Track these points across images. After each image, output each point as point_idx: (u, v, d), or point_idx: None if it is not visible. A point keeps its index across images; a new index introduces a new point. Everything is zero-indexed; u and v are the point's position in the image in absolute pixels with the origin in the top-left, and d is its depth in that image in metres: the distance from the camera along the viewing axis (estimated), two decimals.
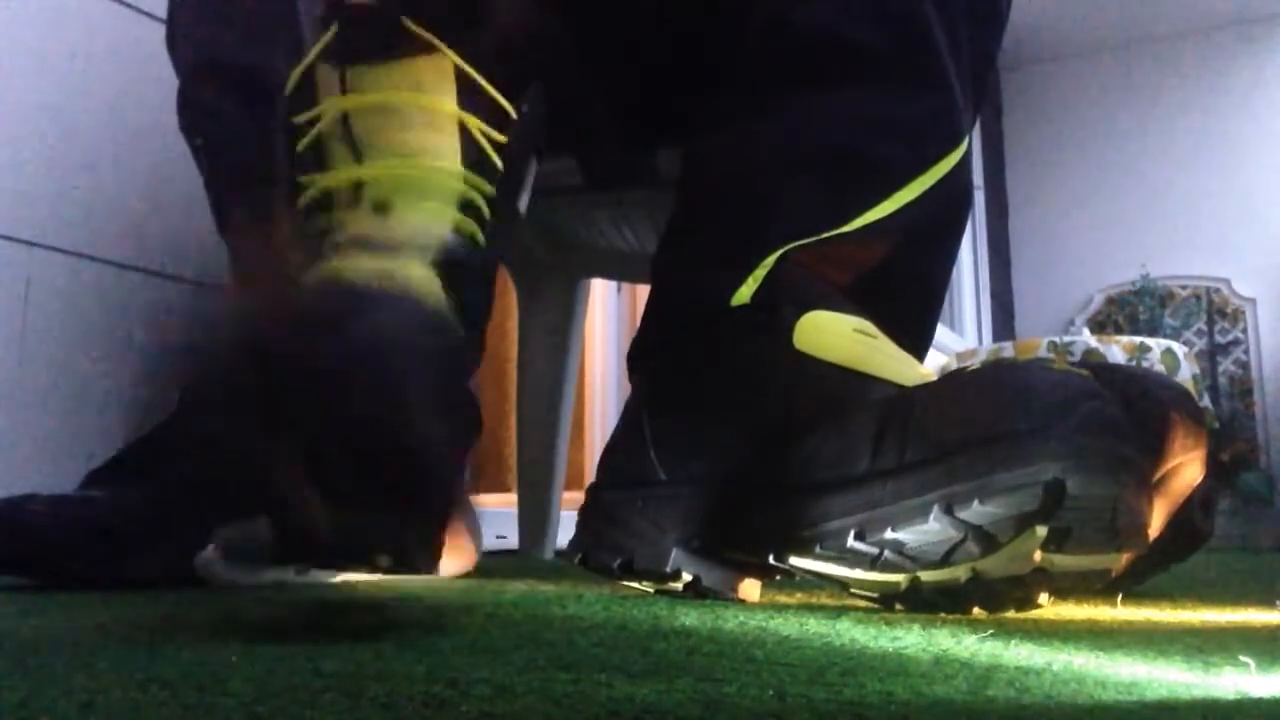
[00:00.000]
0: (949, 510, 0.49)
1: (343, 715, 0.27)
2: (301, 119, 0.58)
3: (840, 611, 0.58)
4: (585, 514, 0.64)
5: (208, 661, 0.35)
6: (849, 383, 0.57)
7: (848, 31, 0.66)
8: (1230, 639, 0.50)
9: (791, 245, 0.63)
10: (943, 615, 0.56)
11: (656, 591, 0.64)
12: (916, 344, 0.68)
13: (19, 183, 0.98)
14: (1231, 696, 0.34)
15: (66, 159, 1.03)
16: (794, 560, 0.54)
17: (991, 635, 0.48)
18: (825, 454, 0.55)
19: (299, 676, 0.32)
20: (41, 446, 0.97)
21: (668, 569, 0.59)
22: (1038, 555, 0.50)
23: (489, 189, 0.59)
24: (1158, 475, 0.68)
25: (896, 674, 0.36)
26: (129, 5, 1.09)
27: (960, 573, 0.52)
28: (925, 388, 0.56)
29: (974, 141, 3.77)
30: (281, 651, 0.38)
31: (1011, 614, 0.61)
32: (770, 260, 0.63)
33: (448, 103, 0.56)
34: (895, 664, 0.38)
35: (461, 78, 0.57)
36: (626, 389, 0.70)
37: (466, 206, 0.58)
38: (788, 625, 0.50)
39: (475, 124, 0.57)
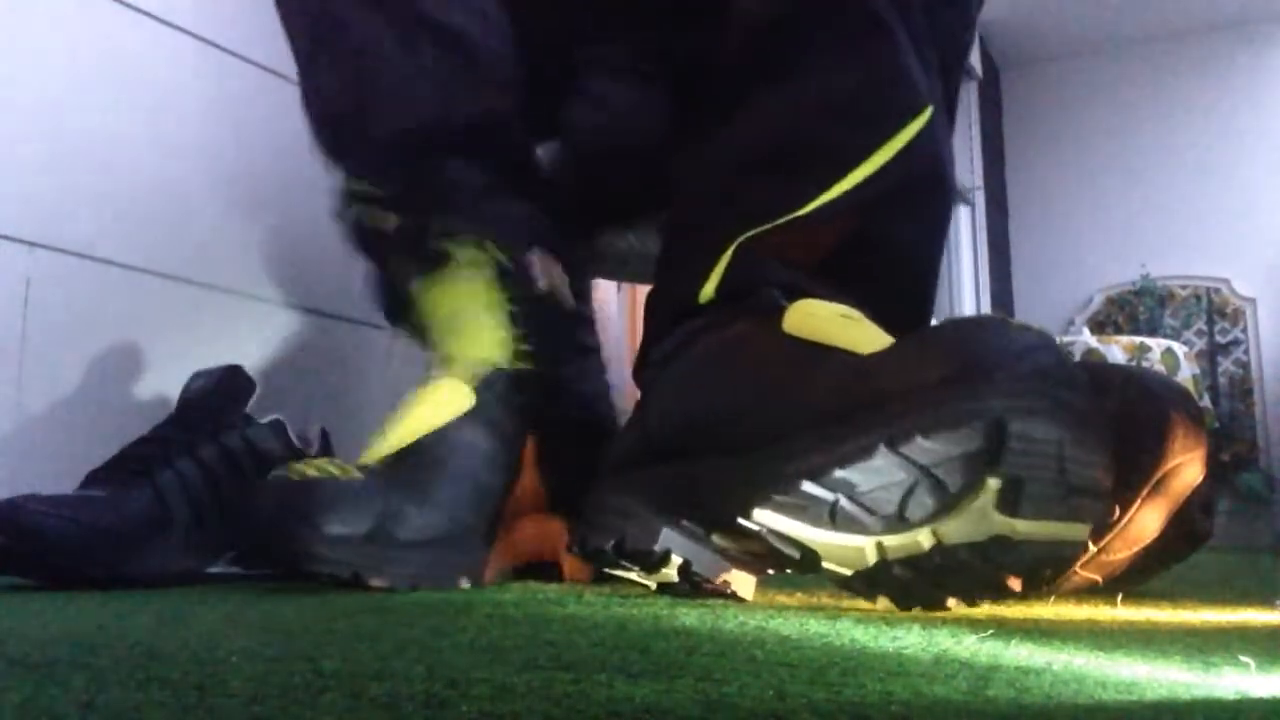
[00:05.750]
0: (893, 446, 0.50)
1: (343, 715, 0.27)
2: (412, 321, 0.80)
3: (840, 611, 0.58)
4: (587, 506, 0.66)
5: (208, 661, 0.35)
6: (824, 354, 0.57)
7: (795, 18, 0.68)
8: (1230, 639, 0.50)
9: (746, 235, 0.65)
10: (943, 615, 0.56)
11: (657, 588, 0.64)
12: (912, 324, 0.69)
13: (19, 183, 0.98)
14: (1231, 696, 0.34)
15: (67, 159, 1.03)
16: (758, 515, 0.54)
17: (991, 635, 0.48)
18: (784, 411, 0.55)
19: (299, 676, 0.32)
20: (41, 447, 0.97)
21: (656, 548, 0.59)
22: (995, 516, 0.50)
23: (521, 341, 0.78)
24: (1158, 475, 0.68)
25: (896, 674, 0.36)
26: (130, 6, 1.09)
27: (922, 538, 0.52)
28: (888, 347, 0.56)
29: (974, 141, 3.73)
30: (281, 651, 0.38)
31: (1006, 611, 0.61)
32: (727, 255, 0.65)
33: (487, 290, 0.77)
34: (895, 664, 0.38)
35: (491, 257, 0.78)
36: (626, 389, 0.72)
37: (514, 352, 0.78)
38: (788, 625, 0.50)
39: (505, 294, 0.78)
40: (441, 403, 0.73)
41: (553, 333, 0.80)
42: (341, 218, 0.82)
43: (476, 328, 0.76)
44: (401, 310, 0.80)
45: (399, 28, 0.77)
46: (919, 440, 0.49)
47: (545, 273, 0.79)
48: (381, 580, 0.66)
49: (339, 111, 0.79)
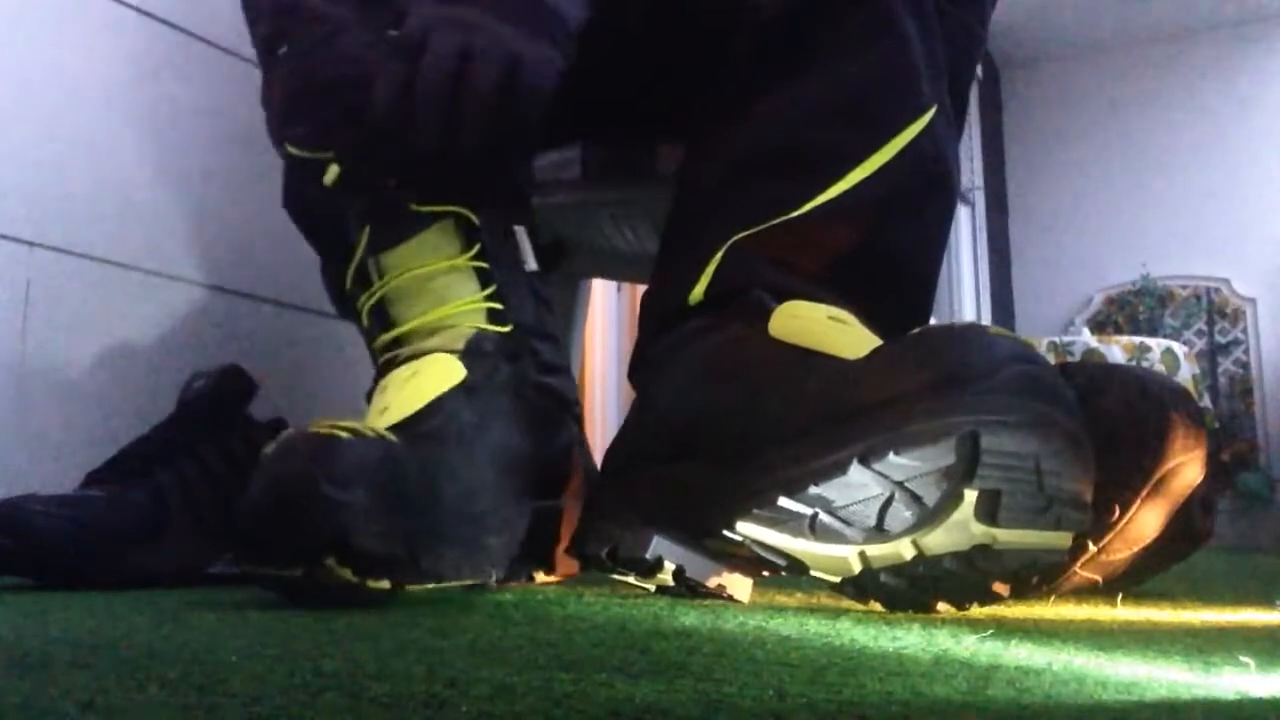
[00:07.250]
0: (866, 461, 0.50)
1: (343, 715, 0.27)
2: (364, 299, 0.72)
3: (840, 611, 0.58)
4: (585, 511, 0.66)
5: (208, 661, 0.35)
6: (806, 360, 0.57)
7: (806, 15, 0.68)
8: (1230, 639, 0.50)
9: (738, 235, 0.65)
10: (942, 615, 0.56)
11: (657, 590, 0.64)
12: (909, 327, 0.69)
13: (19, 183, 0.98)
14: (1231, 696, 0.34)
15: (67, 159, 1.03)
16: (740, 527, 0.55)
17: (991, 635, 0.48)
18: (764, 422, 0.55)
19: (299, 676, 0.32)
20: (41, 446, 0.97)
21: (649, 555, 0.60)
22: (975, 526, 0.50)
23: (497, 302, 0.71)
24: (1158, 475, 0.68)
25: (896, 674, 0.36)
26: (130, 6, 1.09)
27: (904, 549, 0.52)
28: (867, 355, 0.56)
29: (974, 141, 3.73)
30: (281, 651, 0.38)
31: (1006, 611, 0.61)
32: (718, 256, 0.65)
33: (456, 258, 0.70)
34: (895, 664, 0.38)
35: (462, 222, 0.71)
36: (626, 389, 0.72)
37: (490, 315, 0.71)
38: (788, 625, 0.50)
39: (471, 259, 0.71)
40: (433, 377, 0.66)
41: (529, 301, 0.74)
42: (295, 199, 0.78)
43: (449, 291, 0.70)
44: (351, 288, 0.74)
45: (365, 12, 0.74)
46: (892, 456, 0.49)
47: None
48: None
49: (296, 87, 0.76)
